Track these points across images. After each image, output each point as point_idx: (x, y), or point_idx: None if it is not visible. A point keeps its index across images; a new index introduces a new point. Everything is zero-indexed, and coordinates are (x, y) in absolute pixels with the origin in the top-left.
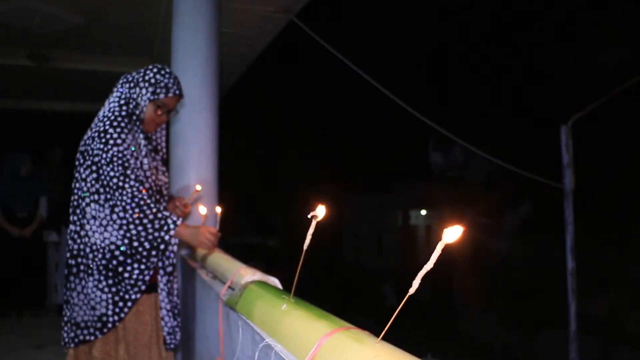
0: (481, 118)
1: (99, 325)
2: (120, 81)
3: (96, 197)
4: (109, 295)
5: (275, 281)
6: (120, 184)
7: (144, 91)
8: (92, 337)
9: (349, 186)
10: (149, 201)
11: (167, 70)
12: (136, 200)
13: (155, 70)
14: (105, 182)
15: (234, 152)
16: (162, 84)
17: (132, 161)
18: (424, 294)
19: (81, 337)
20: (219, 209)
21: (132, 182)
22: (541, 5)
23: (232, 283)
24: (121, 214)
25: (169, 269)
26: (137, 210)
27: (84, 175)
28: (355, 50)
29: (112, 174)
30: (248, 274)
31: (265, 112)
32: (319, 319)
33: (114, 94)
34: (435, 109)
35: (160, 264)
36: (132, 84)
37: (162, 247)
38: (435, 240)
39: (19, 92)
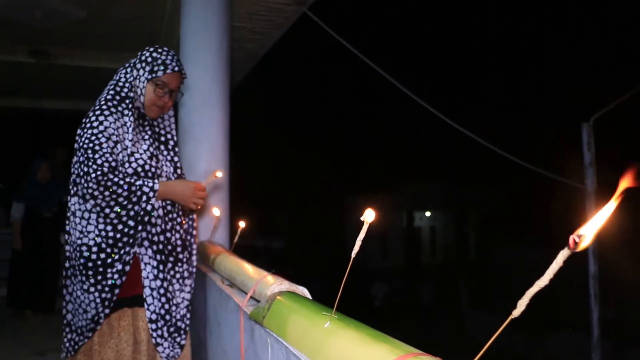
0: (500, 115)
1: (91, 326)
2: (119, 70)
3: (76, 189)
4: (96, 295)
5: (304, 291)
6: (85, 169)
7: (141, 72)
8: (86, 340)
9: (352, 186)
10: (116, 179)
11: (165, 48)
12: (103, 183)
13: (151, 49)
14: (78, 171)
15: (236, 151)
16: (159, 61)
17: (106, 144)
18: (430, 295)
19: (77, 347)
20: (242, 224)
21: (95, 167)
22: (563, 4)
23: (255, 293)
24: (92, 201)
25: (156, 258)
26: (106, 193)
27: (72, 169)
28: (371, 45)
29: (81, 159)
30: (274, 283)
31: (269, 111)
32: (376, 342)
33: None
34: (454, 107)
35: (143, 252)
36: (129, 69)
37: (146, 218)
38: (438, 241)
39: (20, 90)
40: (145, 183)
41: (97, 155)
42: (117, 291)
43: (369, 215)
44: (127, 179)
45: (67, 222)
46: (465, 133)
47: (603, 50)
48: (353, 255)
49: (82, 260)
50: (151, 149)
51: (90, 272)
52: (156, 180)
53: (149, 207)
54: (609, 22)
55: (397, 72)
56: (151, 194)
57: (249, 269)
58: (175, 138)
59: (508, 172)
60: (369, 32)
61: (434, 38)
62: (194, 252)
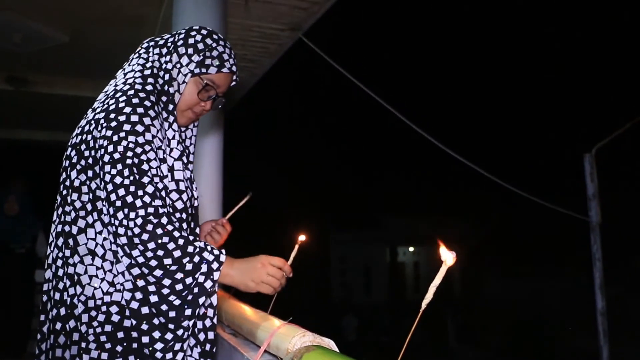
0: (500, 145)
1: None
2: (144, 45)
3: (95, 217)
4: None
5: (330, 343)
6: (130, 198)
7: (185, 60)
8: None
9: (336, 222)
10: (170, 227)
11: (221, 36)
12: (151, 229)
13: (204, 32)
14: (108, 196)
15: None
16: (215, 53)
17: (155, 163)
18: (416, 331)
19: None
20: (302, 237)
21: (147, 198)
22: (563, 30)
23: (270, 346)
24: (127, 249)
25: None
26: (150, 245)
27: (76, 182)
28: (364, 72)
29: (118, 179)
30: (296, 335)
31: (252, 144)
32: None
33: (133, 62)
34: (453, 137)
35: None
36: (164, 50)
37: (201, 299)
38: (422, 276)
39: None
40: (208, 247)
41: (146, 180)
42: None
43: (448, 257)
44: (183, 232)
45: (60, 261)
46: (464, 162)
47: (605, 79)
48: (424, 306)
49: (108, 327)
50: (188, 172)
51: (120, 350)
52: (223, 251)
53: (207, 284)
54: (610, 51)
55: (394, 99)
56: (214, 266)
57: (257, 315)
58: (192, 157)
59: (492, 206)
60: (365, 58)
61: (432, 63)
62: None
